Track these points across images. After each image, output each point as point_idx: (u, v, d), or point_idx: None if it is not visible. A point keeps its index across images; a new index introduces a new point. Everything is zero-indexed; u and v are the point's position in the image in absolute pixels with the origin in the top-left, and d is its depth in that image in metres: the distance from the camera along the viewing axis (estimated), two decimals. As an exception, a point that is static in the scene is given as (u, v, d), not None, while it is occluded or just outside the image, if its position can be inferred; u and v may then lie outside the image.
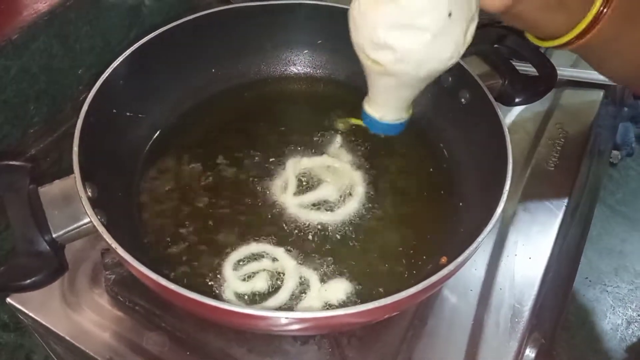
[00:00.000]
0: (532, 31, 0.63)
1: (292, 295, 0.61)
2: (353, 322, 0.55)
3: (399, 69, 0.52)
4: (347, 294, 0.61)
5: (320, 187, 0.71)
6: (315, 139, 0.77)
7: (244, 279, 0.62)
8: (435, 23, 0.48)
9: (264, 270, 0.63)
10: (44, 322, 0.63)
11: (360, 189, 0.71)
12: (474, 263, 0.70)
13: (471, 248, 0.52)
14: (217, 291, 0.61)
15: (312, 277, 0.62)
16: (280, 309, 0.60)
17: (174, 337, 0.62)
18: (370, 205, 0.70)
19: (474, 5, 0.51)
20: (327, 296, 0.61)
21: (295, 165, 0.72)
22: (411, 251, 0.66)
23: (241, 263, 0.64)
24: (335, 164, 0.73)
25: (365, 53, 0.53)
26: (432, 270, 0.52)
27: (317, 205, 0.69)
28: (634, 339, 1.74)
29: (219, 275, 0.62)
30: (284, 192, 0.70)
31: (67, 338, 0.62)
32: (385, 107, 0.62)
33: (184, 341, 0.62)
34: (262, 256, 0.64)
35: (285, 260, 0.64)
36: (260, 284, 0.62)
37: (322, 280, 0.62)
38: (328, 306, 0.61)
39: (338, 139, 0.77)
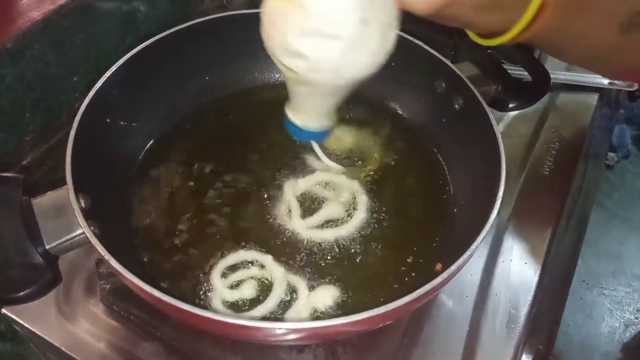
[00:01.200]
0: (470, 29, 0.60)
1: (280, 302, 0.61)
2: (347, 331, 0.55)
3: (314, 77, 0.50)
4: (334, 300, 0.61)
5: (325, 205, 0.71)
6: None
7: (232, 287, 0.62)
8: (347, 31, 0.46)
9: (252, 278, 0.63)
10: (39, 333, 0.63)
11: (363, 198, 0.71)
12: (469, 269, 0.70)
13: (465, 256, 0.52)
14: (205, 300, 0.61)
15: (300, 284, 0.62)
16: (268, 316, 0.60)
17: (169, 347, 0.62)
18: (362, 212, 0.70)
19: (391, 11, 0.48)
20: (315, 303, 0.61)
21: (294, 189, 0.71)
22: (405, 258, 0.66)
23: (230, 271, 0.64)
24: (332, 179, 0.73)
25: (278, 59, 0.51)
26: (427, 278, 0.51)
27: (328, 223, 0.69)
28: (632, 343, 1.73)
29: (208, 284, 0.62)
30: (291, 219, 0.69)
31: (62, 349, 0.62)
32: (307, 114, 0.60)
33: (179, 351, 0.61)
34: (251, 264, 0.64)
35: (274, 268, 0.64)
36: (248, 291, 0.62)
37: (311, 287, 0.62)
38: (316, 312, 0.61)
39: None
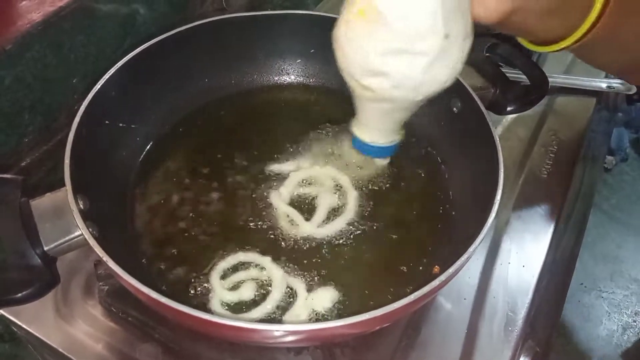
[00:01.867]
0: (527, 37, 0.61)
1: (279, 304, 0.61)
2: (345, 333, 0.55)
3: (394, 95, 0.50)
4: (333, 302, 0.61)
5: (318, 200, 0.71)
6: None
7: (231, 289, 0.62)
8: (433, 46, 0.46)
9: (251, 279, 0.63)
10: (37, 334, 0.63)
11: (344, 178, 0.72)
12: (467, 271, 0.70)
13: (462, 258, 0.52)
14: (204, 301, 0.61)
15: (299, 286, 0.62)
16: (266, 318, 0.60)
17: (167, 348, 0.62)
18: (360, 214, 0.70)
19: (469, 23, 0.48)
20: (314, 305, 0.61)
21: (282, 198, 0.71)
22: (403, 260, 0.66)
23: (229, 272, 0.64)
24: (308, 174, 0.73)
25: (356, 80, 0.50)
26: (424, 280, 0.51)
27: (331, 214, 0.70)
28: (629, 345, 1.74)
29: (207, 285, 0.62)
30: (297, 226, 0.68)
31: (60, 350, 0.62)
32: (376, 130, 0.60)
33: (177, 353, 0.61)
34: (250, 265, 0.64)
35: (273, 270, 0.64)
36: (247, 293, 0.62)
37: (309, 289, 0.62)
38: (314, 314, 0.61)
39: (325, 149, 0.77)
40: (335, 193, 0.71)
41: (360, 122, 0.60)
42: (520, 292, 0.69)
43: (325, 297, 0.62)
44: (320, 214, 0.69)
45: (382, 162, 0.74)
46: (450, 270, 0.51)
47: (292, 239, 0.67)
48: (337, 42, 0.50)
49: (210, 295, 0.62)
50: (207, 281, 0.63)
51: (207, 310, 0.60)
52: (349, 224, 0.69)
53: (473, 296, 0.69)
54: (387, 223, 0.69)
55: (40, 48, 0.73)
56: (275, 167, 0.74)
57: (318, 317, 0.61)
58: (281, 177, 0.73)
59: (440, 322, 0.66)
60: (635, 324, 1.80)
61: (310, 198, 0.71)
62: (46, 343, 0.63)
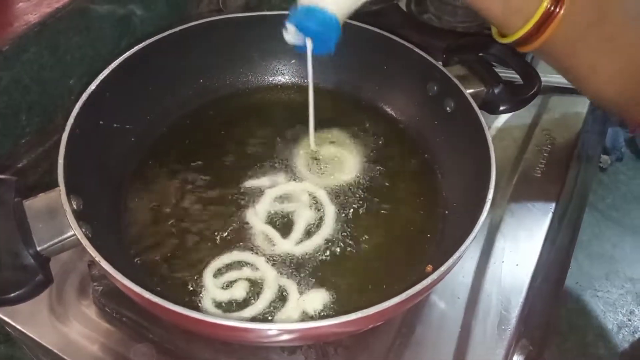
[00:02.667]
0: (494, 24, 0.63)
1: (271, 305, 0.61)
2: (338, 332, 0.55)
3: None
4: (324, 304, 0.62)
5: (295, 216, 0.70)
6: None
7: (223, 287, 0.63)
8: None
9: (244, 279, 0.63)
10: (31, 335, 0.63)
11: (320, 192, 0.72)
12: (461, 270, 0.70)
13: (454, 257, 0.52)
14: (195, 300, 0.61)
15: (291, 287, 0.63)
16: (257, 318, 0.60)
17: (162, 348, 0.62)
18: (353, 214, 0.70)
19: None
20: (305, 306, 0.61)
21: (257, 217, 0.69)
22: (395, 260, 0.66)
23: (222, 271, 0.64)
24: (282, 191, 0.72)
25: None
26: (417, 279, 0.52)
27: (309, 230, 0.69)
28: (625, 344, 1.74)
29: (199, 283, 0.63)
30: (275, 244, 0.67)
31: (55, 351, 0.62)
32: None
33: (172, 353, 0.62)
34: (243, 265, 0.65)
35: (266, 270, 0.64)
36: (239, 292, 0.62)
37: (301, 291, 0.62)
38: (305, 316, 0.61)
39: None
40: (312, 208, 0.71)
41: None
42: (513, 291, 0.69)
43: (317, 298, 0.62)
44: (299, 230, 0.68)
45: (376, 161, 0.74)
46: (442, 268, 0.52)
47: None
48: None
49: (202, 293, 0.62)
50: (200, 279, 0.63)
51: (199, 309, 0.61)
52: (327, 240, 0.68)
53: (467, 295, 0.69)
54: (379, 223, 0.70)
55: (37, 49, 0.74)
56: (249, 183, 0.73)
57: (309, 319, 0.61)
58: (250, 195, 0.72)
59: (434, 321, 0.66)
60: (630, 322, 1.80)
61: (286, 214, 0.70)
62: (41, 344, 0.63)
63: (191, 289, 0.62)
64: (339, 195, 0.73)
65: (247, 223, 0.68)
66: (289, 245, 0.66)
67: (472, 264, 0.71)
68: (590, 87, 0.65)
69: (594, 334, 1.76)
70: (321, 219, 0.69)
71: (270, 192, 0.72)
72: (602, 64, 0.61)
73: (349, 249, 0.67)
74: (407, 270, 0.65)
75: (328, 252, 0.66)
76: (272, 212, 0.70)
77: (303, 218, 0.69)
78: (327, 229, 0.68)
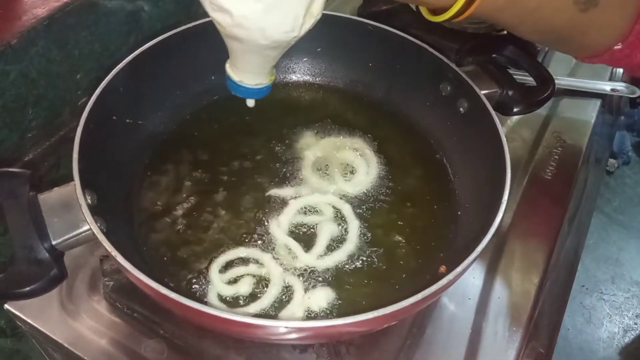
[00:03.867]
0: (422, 5, 0.61)
1: (275, 301, 0.61)
2: (352, 331, 0.55)
3: (239, 34, 0.50)
4: (329, 302, 0.61)
5: (318, 229, 0.68)
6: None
7: (228, 282, 0.62)
8: None
9: (250, 274, 0.63)
10: (41, 329, 0.63)
11: (346, 207, 0.70)
12: (472, 272, 0.70)
13: (470, 258, 0.52)
14: (200, 293, 0.61)
15: (297, 284, 0.62)
16: (261, 314, 0.60)
17: (173, 344, 0.62)
18: (368, 214, 0.70)
19: None
20: (310, 304, 0.61)
21: (280, 228, 0.68)
22: (407, 260, 0.66)
23: (228, 266, 0.64)
24: (307, 202, 0.71)
25: (206, 10, 0.51)
26: (431, 280, 0.52)
27: (332, 244, 0.67)
28: (631, 348, 1.74)
29: (206, 278, 0.63)
30: (297, 258, 0.65)
31: (65, 345, 0.62)
32: (243, 70, 0.60)
33: (183, 349, 0.61)
34: (250, 261, 0.64)
35: (272, 267, 0.64)
36: (244, 288, 0.62)
37: (307, 288, 0.62)
38: (310, 313, 0.60)
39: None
40: (338, 224, 0.69)
41: (230, 60, 0.60)
42: (524, 293, 0.69)
43: (322, 296, 0.61)
44: (321, 245, 0.67)
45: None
46: (458, 269, 0.52)
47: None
48: None
49: (207, 287, 0.62)
50: (207, 273, 0.63)
51: (204, 302, 0.60)
52: (350, 256, 0.66)
53: (477, 296, 0.69)
54: (392, 223, 0.69)
55: (45, 43, 0.73)
56: (275, 192, 0.72)
57: (314, 316, 0.60)
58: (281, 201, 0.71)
59: (444, 322, 0.66)
60: (636, 326, 1.80)
61: (309, 226, 0.69)
62: (51, 338, 0.63)
63: (197, 280, 0.62)
64: (352, 196, 0.72)
65: (268, 232, 0.67)
66: (311, 259, 0.65)
67: (483, 265, 0.71)
68: (526, 29, 0.65)
69: (600, 338, 1.76)
70: (345, 233, 0.68)
71: (295, 203, 0.70)
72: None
73: (358, 248, 0.67)
74: (419, 270, 0.65)
75: (347, 263, 0.66)
76: (295, 223, 0.69)
77: (326, 232, 0.68)
78: (351, 245, 0.67)
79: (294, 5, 0.49)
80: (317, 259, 0.65)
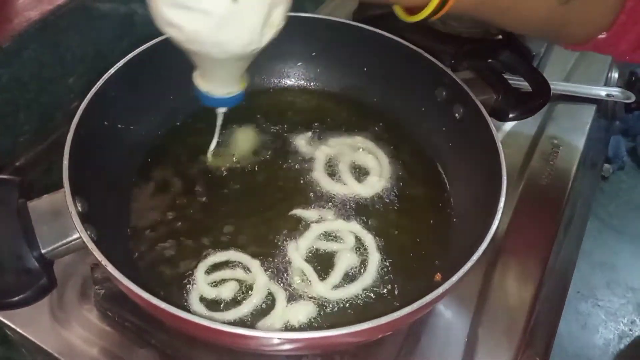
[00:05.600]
0: (395, 4, 0.60)
1: (255, 310, 0.60)
2: (347, 341, 0.54)
3: (193, 48, 0.49)
4: (308, 318, 0.60)
5: (336, 259, 0.66)
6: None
7: (212, 284, 0.62)
8: (215, 7, 0.45)
9: (235, 279, 0.62)
10: (31, 338, 0.62)
11: (369, 237, 0.67)
12: (467, 279, 0.69)
13: (466, 267, 0.52)
14: (184, 294, 0.61)
15: (280, 295, 0.61)
16: (239, 321, 0.59)
17: (164, 354, 0.61)
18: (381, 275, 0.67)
19: None
20: (290, 317, 0.60)
21: (298, 252, 0.66)
22: (400, 267, 0.65)
23: (214, 268, 0.63)
24: (330, 227, 0.68)
25: (158, 25, 0.49)
26: (426, 288, 0.51)
27: (348, 275, 0.64)
28: (626, 355, 1.74)
29: (191, 277, 0.62)
30: (310, 285, 0.63)
31: (55, 354, 0.61)
32: (210, 81, 0.59)
33: (174, 359, 0.61)
34: (237, 265, 0.64)
35: (258, 274, 0.63)
36: (227, 292, 0.61)
37: (289, 301, 0.61)
38: (288, 326, 0.59)
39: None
40: (358, 255, 0.66)
41: (198, 71, 0.59)
42: (519, 300, 0.69)
43: (302, 311, 0.60)
44: (337, 275, 0.64)
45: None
46: (454, 278, 0.51)
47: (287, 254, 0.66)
48: None
49: (191, 287, 0.61)
50: (193, 274, 0.62)
51: (184, 302, 0.60)
52: (365, 289, 0.63)
53: (473, 304, 0.68)
54: (387, 230, 0.69)
55: (37, 47, 0.73)
56: (298, 212, 0.70)
57: (292, 330, 0.59)
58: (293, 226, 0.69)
59: (440, 330, 0.66)
60: (631, 332, 1.80)
61: (328, 254, 0.66)
62: (41, 347, 0.62)
63: (183, 280, 0.62)
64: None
65: (285, 255, 0.65)
66: (324, 289, 0.63)
67: (479, 272, 0.71)
68: (506, 22, 0.64)
69: (595, 344, 1.76)
70: (364, 265, 0.65)
71: (317, 227, 0.68)
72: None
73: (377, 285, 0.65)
74: (414, 278, 0.65)
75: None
76: (313, 249, 0.67)
77: (345, 262, 0.65)
78: (369, 278, 0.64)
79: (249, 18, 0.47)
80: (331, 289, 0.63)
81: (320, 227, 0.68)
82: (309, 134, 0.78)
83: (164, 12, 0.47)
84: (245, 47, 0.49)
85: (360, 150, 0.77)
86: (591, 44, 0.64)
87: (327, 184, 0.73)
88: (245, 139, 0.78)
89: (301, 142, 0.77)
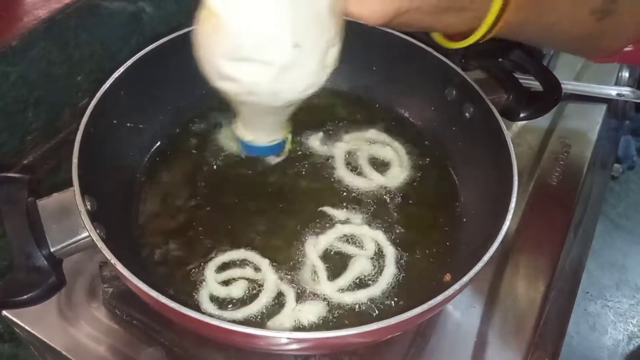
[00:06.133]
0: (431, 32, 0.59)
1: (265, 309, 0.60)
2: (356, 342, 0.54)
3: (251, 100, 0.48)
4: (318, 317, 0.60)
5: (351, 263, 0.65)
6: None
7: (222, 283, 0.62)
8: (280, 56, 0.44)
9: (245, 278, 0.62)
10: (39, 336, 0.62)
11: (390, 249, 0.66)
12: (477, 279, 0.69)
13: (477, 267, 0.52)
14: (193, 292, 0.61)
15: (290, 295, 0.61)
16: (249, 320, 0.59)
17: (172, 352, 0.61)
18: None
19: (331, 29, 0.46)
20: (300, 316, 0.60)
21: (316, 247, 0.65)
22: (410, 267, 0.65)
23: (224, 267, 0.63)
24: (354, 231, 0.67)
25: (212, 82, 0.49)
26: (436, 289, 0.51)
27: (358, 282, 0.63)
28: (636, 356, 1.73)
29: (201, 275, 0.62)
30: (318, 282, 0.62)
31: (64, 352, 0.61)
32: (254, 130, 0.58)
33: (182, 357, 0.61)
34: (247, 264, 0.63)
35: (268, 273, 0.62)
36: (237, 291, 0.61)
37: (299, 300, 0.61)
38: (298, 326, 0.59)
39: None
40: (374, 264, 0.65)
41: (238, 120, 0.58)
42: (529, 301, 0.69)
43: (313, 310, 0.60)
44: (347, 279, 0.63)
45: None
46: (465, 279, 0.51)
47: (298, 253, 0.65)
48: (195, 39, 0.48)
49: (200, 285, 0.61)
50: (203, 272, 0.62)
51: (194, 300, 0.60)
52: (371, 300, 0.62)
53: (482, 304, 0.68)
54: (396, 230, 0.68)
55: (46, 45, 0.73)
56: (327, 210, 0.69)
57: (302, 329, 0.59)
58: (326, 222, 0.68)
59: (449, 331, 0.65)
60: (640, 334, 1.80)
61: (345, 257, 0.66)
62: (49, 345, 0.62)
63: (193, 278, 0.62)
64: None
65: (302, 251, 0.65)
66: (330, 289, 0.62)
67: (488, 272, 0.70)
68: (543, 42, 0.65)
69: (605, 345, 1.75)
70: (376, 275, 0.64)
71: (341, 228, 0.67)
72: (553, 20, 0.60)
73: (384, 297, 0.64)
74: (423, 278, 0.64)
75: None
76: (331, 249, 0.66)
77: (358, 268, 0.64)
78: (377, 289, 0.63)
79: (308, 63, 0.46)
80: (337, 291, 0.62)
81: (345, 228, 0.67)
82: (321, 133, 0.78)
83: (220, 67, 0.45)
84: (301, 93, 0.48)
85: (376, 143, 0.78)
86: (618, 56, 0.65)
87: (352, 180, 0.73)
88: None
89: (315, 142, 0.77)
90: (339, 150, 0.76)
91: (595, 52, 0.66)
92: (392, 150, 0.76)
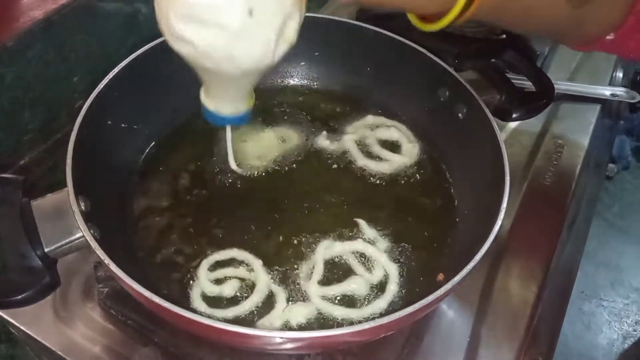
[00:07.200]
0: (410, 13, 0.58)
1: (256, 308, 0.60)
2: (349, 341, 0.54)
3: (205, 64, 0.49)
4: (307, 319, 0.60)
5: (349, 279, 0.64)
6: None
7: (214, 282, 0.62)
8: (231, 21, 0.44)
9: (237, 277, 0.63)
10: (35, 336, 0.62)
11: (393, 288, 0.63)
12: (470, 278, 0.69)
13: (469, 267, 0.52)
14: (185, 290, 0.61)
15: (281, 296, 0.61)
16: (239, 319, 0.59)
17: (167, 352, 0.61)
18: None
19: (288, 1, 0.47)
20: (289, 317, 0.60)
21: (327, 250, 0.65)
22: (406, 267, 0.65)
23: (217, 266, 0.63)
24: (370, 252, 0.66)
25: (168, 42, 0.49)
26: (429, 288, 0.51)
27: (343, 299, 0.62)
28: (630, 354, 1.73)
29: (194, 274, 0.62)
30: (309, 279, 0.63)
31: (59, 352, 0.61)
32: (217, 98, 0.58)
33: (177, 357, 0.61)
34: (240, 264, 0.64)
35: (260, 274, 0.63)
36: (228, 290, 0.61)
37: (290, 301, 0.61)
38: (287, 326, 0.59)
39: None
40: (372, 287, 0.63)
41: (204, 89, 0.58)
42: (523, 301, 0.69)
43: (302, 312, 0.60)
44: (334, 290, 0.63)
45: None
46: (457, 278, 0.51)
47: (293, 255, 0.66)
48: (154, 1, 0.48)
49: (193, 283, 0.61)
50: (195, 270, 0.62)
51: (185, 299, 0.60)
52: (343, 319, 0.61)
53: (476, 304, 0.68)
54: (390, 229, 0.69)
55: (42, 46, 0.73)
56: (361, 222, 0.68)
57: (290, 329, 0.59)
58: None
59: (442, 330, 0.66)
60: (635, 333, 1.80)
61: (348, 271, 0.65)
62: (44, 345, 0.62)
63: (186, 277, 0.62)
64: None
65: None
66: (314, 291, 0.62)
67: (482, 272, 0.71)
68: (520, 26, 0.64)
69: (599, 344, 1.75)
70: (371, 296, 0.63)
71: (354, 244, 0.67)
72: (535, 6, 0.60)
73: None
74: (416, 277, 0.64)
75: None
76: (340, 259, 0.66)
77: (352, 287, 0.63)
78: (354, 314, 0.61)
79: (263, 31, 0.46)
80: (319, 296, 0.61)
81: (363, 246, 0.66)
82: (324, 132, 0.79)
83: (175, 27, 0.46)
84: (258, 62, 0.49)
85: (379, 127, 0.79)
86: (598, 44, 0.64)
87: (375, 166, 0.75)
88: (268, 144, 0.78)
89: (324, 142, 0.77)
90: (349, 142, 0.77)
91: (575, 39, 0.66)
92: (396, 130, 0.78)
